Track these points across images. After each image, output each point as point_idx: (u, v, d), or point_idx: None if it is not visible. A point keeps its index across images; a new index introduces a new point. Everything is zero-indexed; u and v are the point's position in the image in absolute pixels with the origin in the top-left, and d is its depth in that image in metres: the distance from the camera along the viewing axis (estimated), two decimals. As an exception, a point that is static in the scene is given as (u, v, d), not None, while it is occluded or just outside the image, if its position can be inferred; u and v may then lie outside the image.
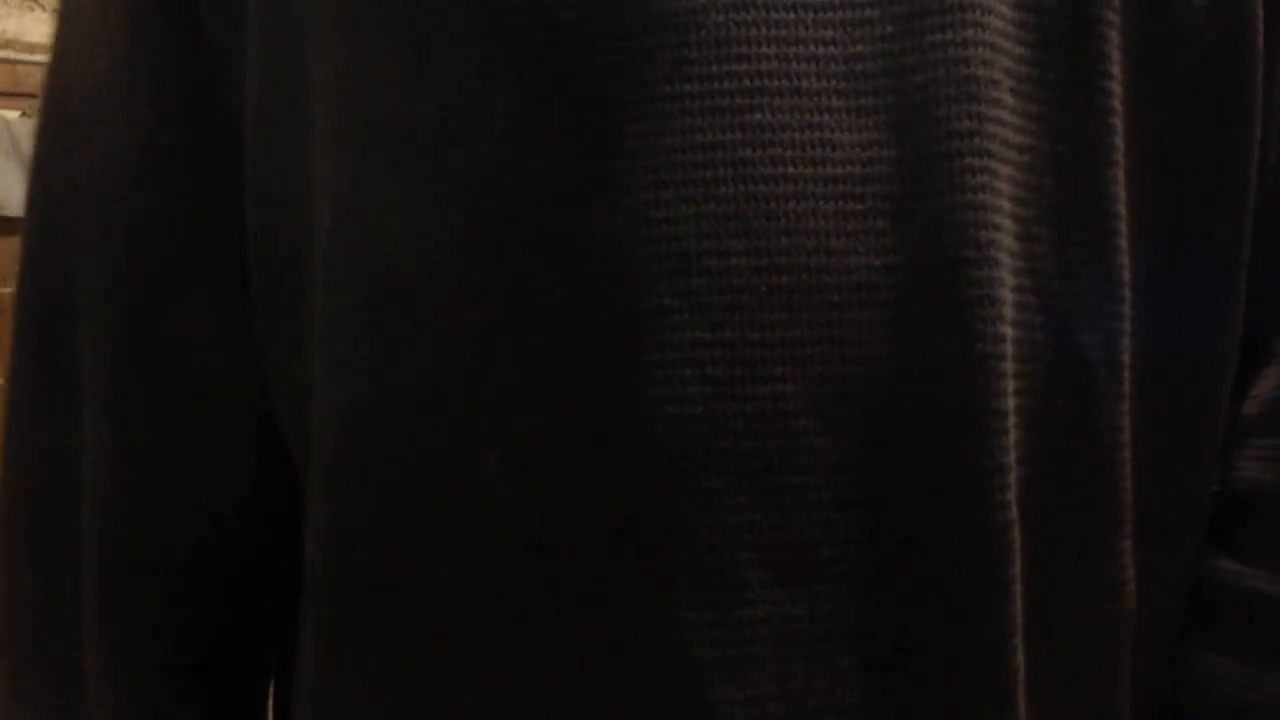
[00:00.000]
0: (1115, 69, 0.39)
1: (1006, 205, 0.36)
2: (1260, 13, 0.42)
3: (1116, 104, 0.39)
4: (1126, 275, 0.39)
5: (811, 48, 0.35)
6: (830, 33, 0.35)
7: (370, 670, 0.39)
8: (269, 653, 0.51)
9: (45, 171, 0.47)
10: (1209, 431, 0.44)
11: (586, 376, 0.35)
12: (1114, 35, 0.39)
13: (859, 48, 0.35)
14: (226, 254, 0.44)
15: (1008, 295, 0.36)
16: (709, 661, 0.35)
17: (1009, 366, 0.36)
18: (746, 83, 0.35)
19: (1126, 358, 0.40)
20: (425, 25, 0.36)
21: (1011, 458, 0.36)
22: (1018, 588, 0.36)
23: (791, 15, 0.35)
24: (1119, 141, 0.39)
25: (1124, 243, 0.39)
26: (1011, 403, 0.36)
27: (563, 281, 0.35)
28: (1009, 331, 0.36)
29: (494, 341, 0.36)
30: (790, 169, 0.35)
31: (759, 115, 0.35)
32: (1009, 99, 0.36)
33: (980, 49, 0.35)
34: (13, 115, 2.69)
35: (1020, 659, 0.37)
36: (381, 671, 0.39)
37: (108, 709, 0.46)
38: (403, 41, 0.37)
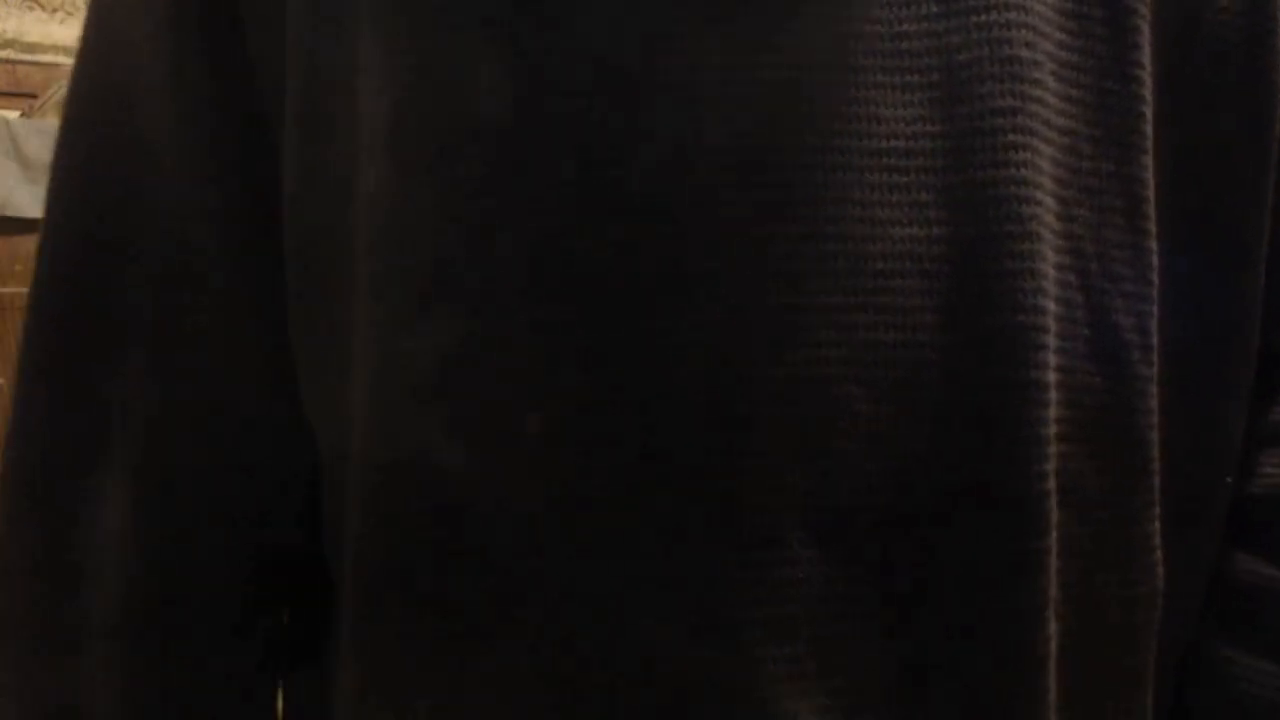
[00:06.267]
0: (1147, 61, 0.40)
1: (1048, 183, 0.37)
2: None
3: (1148, 94, 0.40)
4: (1155, 260, 0.40)
5: (859, 25, 0.36)
6: (877, 11, 0.36)
7: (410, 635, 0.39)
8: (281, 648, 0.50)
9: (71, 178, 0.45)
10: (1228, 419, 0.45)
11: (631, 340, 0.36)
12: (1145, 29, 0.40)
13: (905, 26, 0.36)
14: (260, 252, 0.44)
15: (1049, 270, 0.36)
16: (750, 620, 0.35)
17: (1050, 340, 0.36)
18: (796, 57, 0.35)
19: (1155, 340, 0.40)
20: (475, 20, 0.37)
21: (1051, 431, 0.36)
22: (1051, 560, 0.37)
23: None
24: (1149, 130, 0.40)
25: (1153, 228, 0.40)
26: (1052, 377, 0.36)
27: (608, 247, 0.36)
28: (1050, 305, 0.36)
29: (538, 308, 0.36)
30: (837, 141, 0.35)
31: (808, 89, 0.35)
32: (1051, 81, 0.37)
33: (1024, 31, 0.36)
34: (13, 115, 2.69)
35: (1051, 630, 0.37)
36: (422, 636, 0.39)
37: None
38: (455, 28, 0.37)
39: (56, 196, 0.46)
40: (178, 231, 0.44)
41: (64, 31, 2.92)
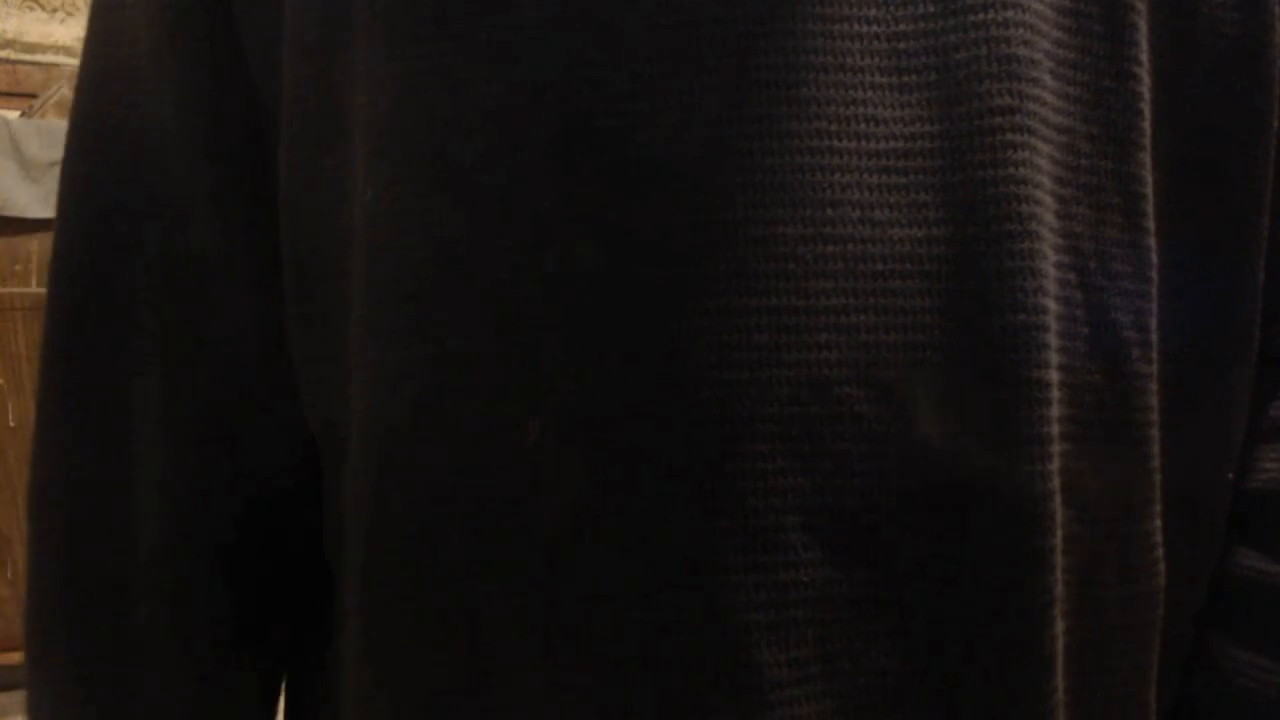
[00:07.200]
0: (1144, 58, 0.40)
1: (1047, 182, 0.37)
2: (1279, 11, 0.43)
3: (1146, 91, 0.40)
4: (1154, 257, 0.40)
5: (855, 25, 0.36)
6: (873, 11, 0.36)
7: (417, 642, 0.39)
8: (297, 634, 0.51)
9: (81, 174, 0.47)
10: (1228, 416, 0.45)
11: (632, 344, 0.36)
12: (1143, 25, 0.40)
13: (902, 26, 0.36)
14: (260, 250, 0.45)
15: (1049, 269, 0.36)
16: (754, 624, 0.35)
17: (1051, 339, 0.36)
18: (792, 58, 0.35)
19: (1154, 338, 0.40)
20: (471, 36, 0.37)
21: (1054, 430, 0.36)
22: (1057, 558, 0.37)
23: None
24: (1147, 127, 0.40)
25: (1151, 225, 0.40)
26: (1054, 375, 0.36)
27: (609, 252, 0.36)
28: (1051, 305, 0.36)
29: (540, 315, 0.36)
30: (835, 142, 0.35)
31: (804, 90, 0.35)
32: (1048, 80, 0.37)
33: (1021, 29, 0.36)
34: (13, 115, 2.68)
35: (1059, 629, 0.37)
36: (427, 634, 0.39)
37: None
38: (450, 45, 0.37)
39: (67, 191, 0.47)
40: (182, 229, 0.45)
41: (64, 31, 2.91)
